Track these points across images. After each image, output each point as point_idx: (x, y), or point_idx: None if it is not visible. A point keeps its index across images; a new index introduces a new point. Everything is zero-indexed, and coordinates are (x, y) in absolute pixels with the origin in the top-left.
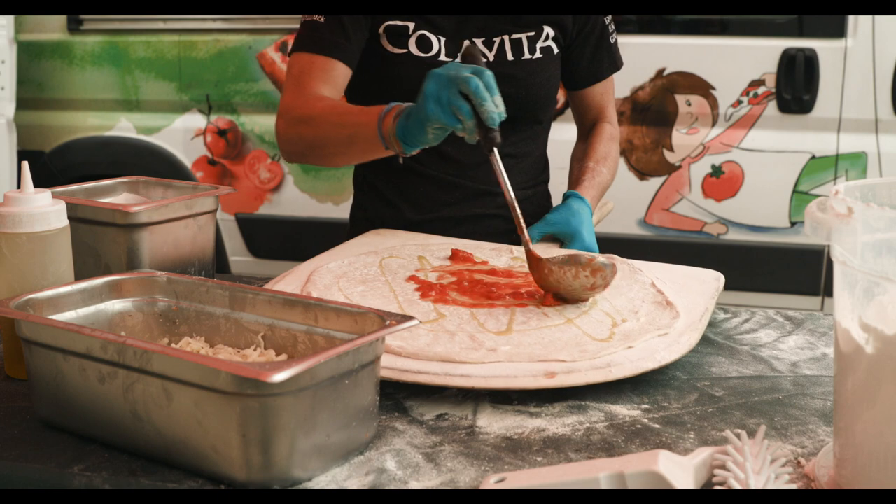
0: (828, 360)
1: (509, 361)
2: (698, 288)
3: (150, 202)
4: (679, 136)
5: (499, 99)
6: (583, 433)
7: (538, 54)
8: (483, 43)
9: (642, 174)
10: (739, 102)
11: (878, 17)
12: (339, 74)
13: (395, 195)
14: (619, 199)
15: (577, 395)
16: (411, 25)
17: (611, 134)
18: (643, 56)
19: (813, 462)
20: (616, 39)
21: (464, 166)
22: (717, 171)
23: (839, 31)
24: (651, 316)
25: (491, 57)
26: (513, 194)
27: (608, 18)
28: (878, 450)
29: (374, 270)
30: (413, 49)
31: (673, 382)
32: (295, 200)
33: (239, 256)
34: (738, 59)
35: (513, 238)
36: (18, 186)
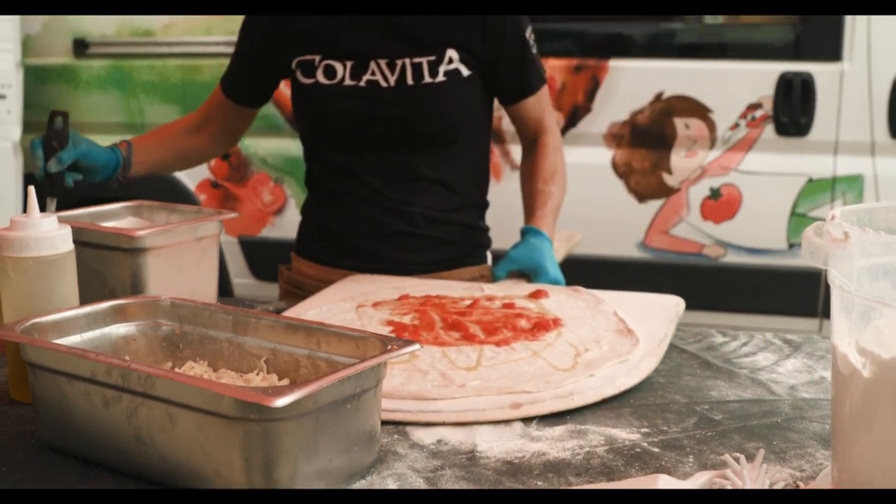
0: (826, 383)
1: (478, 395)
2: (659, 314)
3: (154, 226)
4: (677, 159)
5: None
6: (583, 457)
7: (441, 77)
8: (386, 65)
9: (641, 197)
10: (737, 125)
11: (874, 41)
12: (219, 100)
13: (326, 211)
14: (618, 221)
15: (577, 419)
16: (317, 58)
17: (554, 145)
18: (641, 80)
19: (811, 486)
20: (537, 51)
21: (375, 189)
22: (715, 193)
23: (835, 55)
24: (612, 344)
25: (392, 81)
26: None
27: (528, 32)
28: (875, 473)
29: (350, 316)
30: (320, 78)
31: (672, 406)
32: (297, 222)
33: (242, 279)
34: (735, 83)
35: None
36: (24, 209)
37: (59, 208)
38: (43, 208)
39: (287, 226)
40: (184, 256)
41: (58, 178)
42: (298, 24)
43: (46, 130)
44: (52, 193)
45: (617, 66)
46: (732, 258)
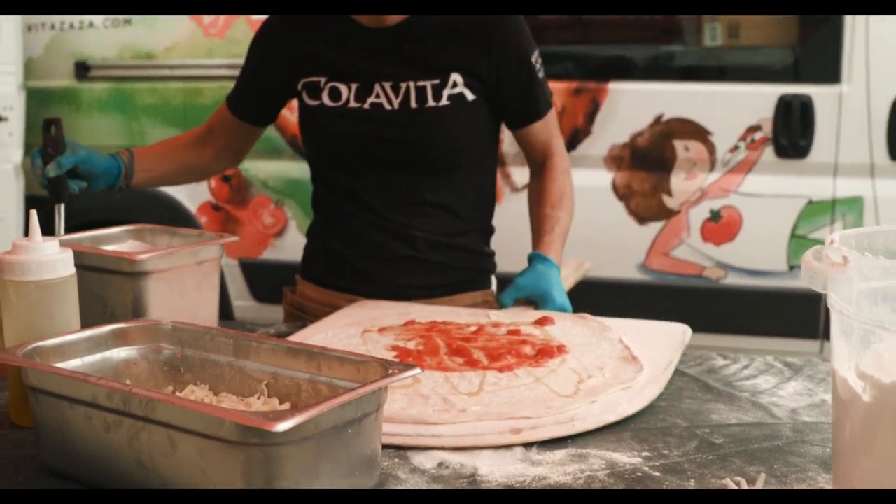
0: (826, 406)
1: (478, 421)
2: (664, 342)
3: (155, 250)
4: (677, 181)
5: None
6: (584, 481)
7: (445, 101)
8: (391, 88)
9: (641, 219)
10: (737, 148)
11: (873, 63)
12: (225, 117)
13: (330, 234)
14: (618, 244)
15: (578, 443)
16: (323, 79)
17: (562, 169)
18: (641, 102)
19: None
20: (544, 75)
21: (379, 213)
22: (715, 215)
23: (834, 77)
24: (616, 371)
25: (396, 104)
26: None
27: (534, 56)
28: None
29: (356, 341)
30: (326, 100)
31: (673, 430)
32: (298, 245)
33: (242, 301)
34: (734, 105)
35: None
36: (26, 232)
37: (67, 219)
38: (52, 217)
39: (288, 248)
40: (185, 280)
41: (62, 184)
42: (305, 46)
43: (42, 139)
44: (58, 199)
45: (616, 88)
46: (733, 280)
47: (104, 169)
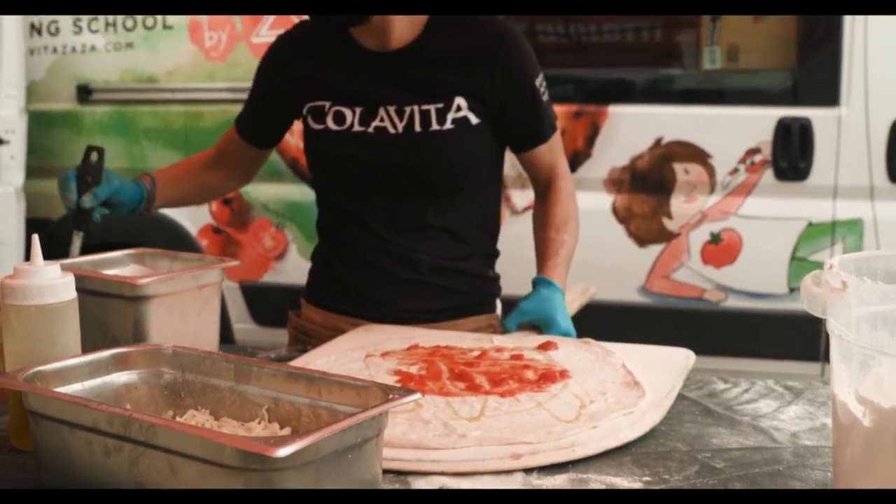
0: (827, 430)
1: (478, 446)
2: (667, 367)
3: (156, 274)
4: (678, 203)
5: (68, 197)
6: None
7: (449, 125)
8: (395, 112)
9: (642, 242)
10: (736, 170)
11: (871, 86)
12: (234, 139)
13: (334, 258)
14: (619, 267)
15: (578, 468)
16: (327, 104)
17: (567, 192)
18: (641, 125)
19: None
20: (548, 99)
21: (382, 237)
22: (715, 238)
23: (833, 100)
24: (618, 396)
25: (400, 128)
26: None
27: (538, 80)
28: None
29: (358, 365)
30: (330, 124)
31: (674, 454)
32: (299, 268)
33: (243, 324)
34: (734, 128)
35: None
36: (27, 255)
37: (83, 244)
38: (69, 243)
39: (289, 271)
40: (186, 304)
41: (89, 214)
42: (310, 71)
43: (81, 164)
44: (79, 227)
45: (616, 111)
46: (733, 302)
47: (130, 198)
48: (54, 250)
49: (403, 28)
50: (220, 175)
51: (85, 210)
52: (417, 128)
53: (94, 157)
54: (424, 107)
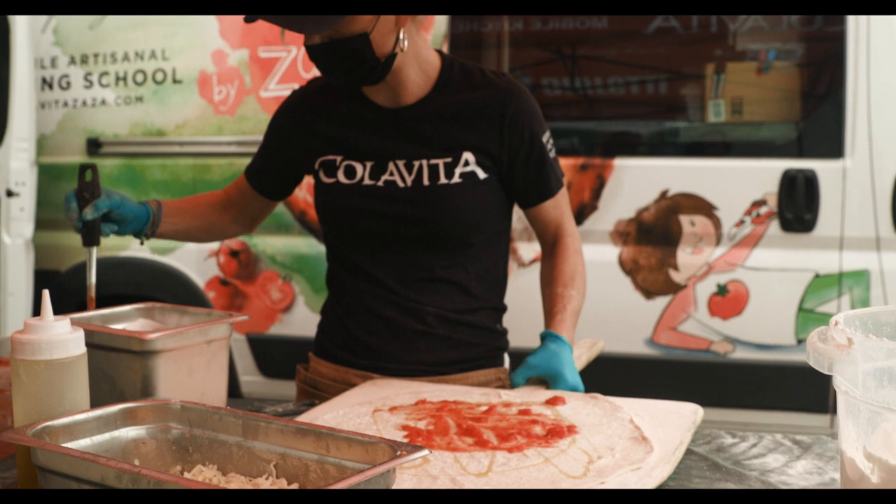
0: (836, 485)
1: None
2: (676, 421)
3: (165, 329)
4: (684, 255)
5: (73, 215)
6: None
7: (457, 179)
8: (404, 166)
9: (648, 293)
10: (742, 222)
11: (875, 137)
12: (243, 187)
13: (343, 310)
14: (626, 318)
15: None
16: (339, 158)
17: (574, 248)
18: (647, 178)
19: None
20: (555, 155)
21: (391, 289)
22: (722, 289)
23: (837, 152)
24: (626, 451)
25: (409, 181)
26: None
27: (545, 136)
28: None
29: (366, 420)
30: (341, 178)
31: None
32: (306, 320)
33: (250, 376)
34: (739, 180)
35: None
36: (35, 306)
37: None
38: (80, 289)
39: (296, 323)
40: (194, 359)
41: (96, 228)
42: (322, 126)
43: (78, 184)
44: (90, 243)
45: (622, 164)
46: (741, 354)
47: (135, 215)
48: (64, 302)
49: (414, 85)
50: (226, 217)
51: (90, 224)
52: (426, 181)
53: (88, 174)
54: (433, 161)
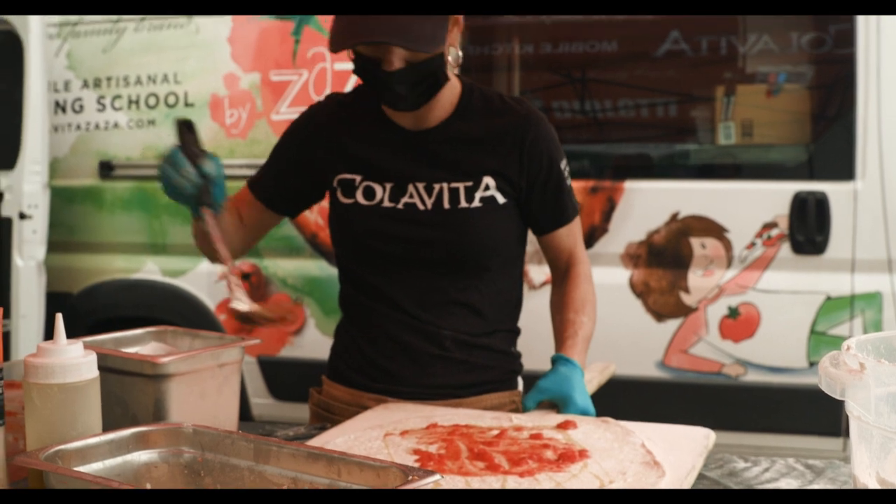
0: None
1: None
2: (688, 446)
3: (177, 353)
4: (695, 278)
5: (186, 171)
6: None
7: (477, 203)
8: (424, 189)
9: (659, 316)
10: (753, 244)
11: (886, 159)
12: (248, 199)
13: (357, 333)
14: (637, 341)
15: None
16: (358, 178)
17: (585, 275)
18: (657, 200)
19: None
20: (570, 183)
21: (407, 312)
22: (733, 312)
23: (848, 174)
24: (638, 476)
25: (430, 204)
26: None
27: (563, 163)
28: None
29: (377, 444)
30: (360, 199)
31: None
32: (317, 343)
33: (260, 399)
34: (750, 203)
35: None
36: (47, 329)
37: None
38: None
39: (307, 346)
40: (206, 382)
41: (208, 185)
42: (346, 142)
43: (180, 140)
44: (205, 202)
45: (632, 187)
46: (753, 377)
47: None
48: (76, 324)
49: (440, 108)
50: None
51: (209, 179)
52: (446, 205)
53: (192, 128)
54: (454, 185)
